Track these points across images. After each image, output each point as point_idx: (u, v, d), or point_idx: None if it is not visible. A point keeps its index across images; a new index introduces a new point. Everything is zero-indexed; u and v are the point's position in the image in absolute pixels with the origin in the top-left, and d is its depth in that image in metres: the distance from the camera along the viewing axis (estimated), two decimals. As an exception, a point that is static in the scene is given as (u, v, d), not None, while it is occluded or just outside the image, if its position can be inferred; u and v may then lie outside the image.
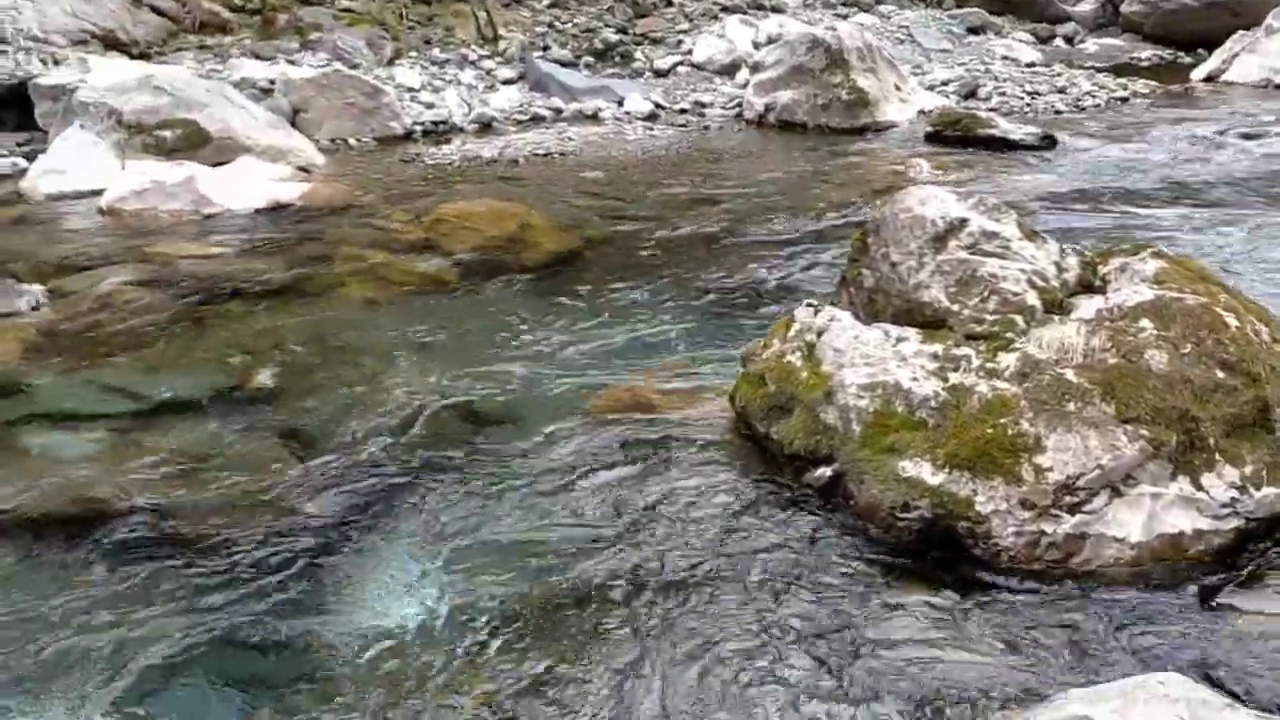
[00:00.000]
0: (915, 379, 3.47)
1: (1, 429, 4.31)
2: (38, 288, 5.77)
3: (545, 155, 9.73)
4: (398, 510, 3.68)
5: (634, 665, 2.87)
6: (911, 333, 3.68)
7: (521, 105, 11.46)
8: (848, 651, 2.88)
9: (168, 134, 8.52)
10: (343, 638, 3.04)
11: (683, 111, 11.51)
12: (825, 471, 3.55)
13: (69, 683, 2.87)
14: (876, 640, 2.92)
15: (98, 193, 7.94)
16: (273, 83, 10.40)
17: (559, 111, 11.46)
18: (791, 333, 3.95)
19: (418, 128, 10.65)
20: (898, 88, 10.93)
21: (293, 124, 9.77)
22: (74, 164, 8.45)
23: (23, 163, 9.09)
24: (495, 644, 2.98)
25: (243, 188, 7.88)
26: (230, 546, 3.47)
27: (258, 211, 7.67)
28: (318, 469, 3.98)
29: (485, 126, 10.93)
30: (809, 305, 4.07)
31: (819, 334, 3.86)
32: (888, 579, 3.19)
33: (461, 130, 10.80)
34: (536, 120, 11.25)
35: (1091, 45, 15.71)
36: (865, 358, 3.63)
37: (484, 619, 3.08)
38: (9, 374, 4.82)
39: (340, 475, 3.93)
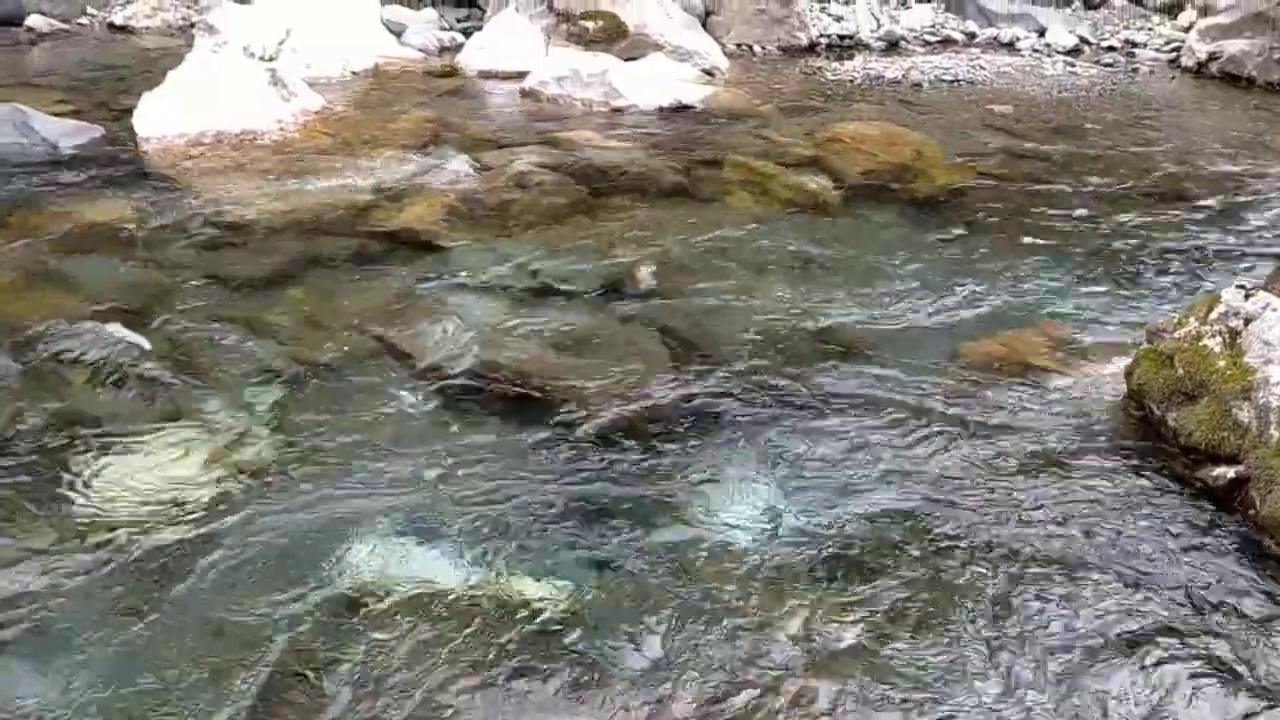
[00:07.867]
0: (1359, 390, 3.06)
1: (421, 285, 4.80)
2: (464, 158, 6.33)
3: (951, 82, 9.32)
4: (753, 424, 3.73)
5: (959, 638, 2.75)
6: (1363, 336, 3.23)
7: (933, 25, 11.01)
8: (1230, 677, 2.63)
9: (590, 24, 8.97)
10: (682, 530, 3.16)
11: (1110, 49, 10.61)
12: (1227, 472, 3.23)
13: (445, 522, 3.16)
14: (1265, 671, 2.65)
15: (521, 74, 8.54)
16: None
17: (972, 36, 10.92)
18: (1213, 315, 3.58)
19: (822, 40, 10.54)
20: (1378, 47, 9.44)
21: (703, 25, 9.95)
22: (504, 44, 9.12)
23: (460, 38, 9.95)
24: (824, 578, 2.96)
25: (650, 85, 8.17)
26: (601, 424, 3.69)
27: (661, 110, 7.95)
28: (685, 369, 4.12)
29: (891, 45, 10.62)
30: (1239, 287, 3.67)
31: (1246, 321, 3.47)
32: (1281, 603, 2.87)
33: (866, 47, 10.56)
34: (946, 43, 10.79)
35: None
36: (1300, 356, 3.23)
37: (815, 551, 3.07)
38: (433, 234, 5.35)
39: (705, 379, 4.04)
